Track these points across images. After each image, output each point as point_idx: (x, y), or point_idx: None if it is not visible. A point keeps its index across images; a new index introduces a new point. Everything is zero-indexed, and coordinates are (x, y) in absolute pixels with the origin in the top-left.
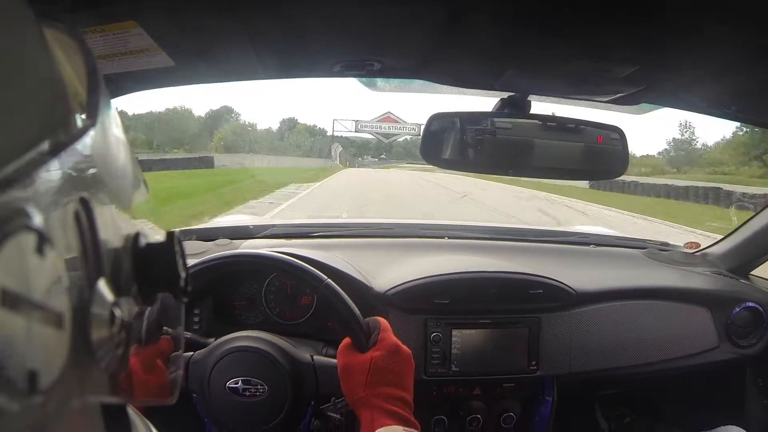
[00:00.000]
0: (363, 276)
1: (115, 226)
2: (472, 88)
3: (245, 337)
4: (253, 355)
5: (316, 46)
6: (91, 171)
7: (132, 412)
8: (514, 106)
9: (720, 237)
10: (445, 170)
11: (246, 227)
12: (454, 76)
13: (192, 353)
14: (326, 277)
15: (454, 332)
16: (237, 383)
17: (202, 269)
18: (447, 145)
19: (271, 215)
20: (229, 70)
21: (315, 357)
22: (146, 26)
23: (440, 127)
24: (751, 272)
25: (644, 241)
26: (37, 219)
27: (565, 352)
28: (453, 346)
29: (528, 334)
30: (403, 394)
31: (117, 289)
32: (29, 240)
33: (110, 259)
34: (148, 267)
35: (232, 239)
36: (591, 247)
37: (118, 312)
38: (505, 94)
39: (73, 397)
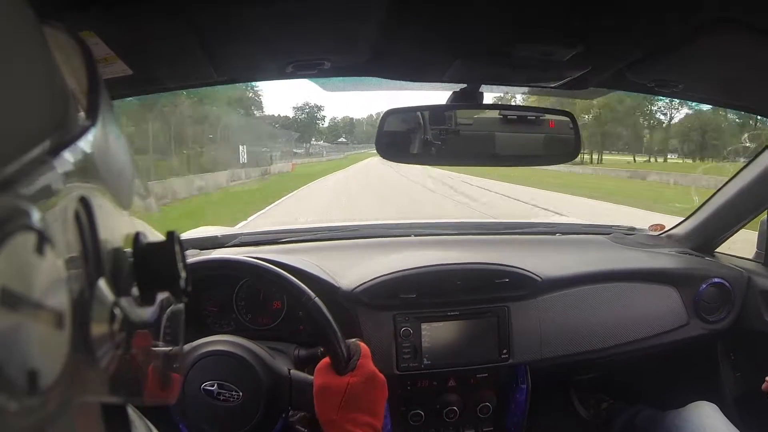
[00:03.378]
0: (330, 276)
1: (115, 225)
2: (422, 81)
3: (224, 342)
4: (233, 361)
5: (265, 47)
6: (91, 171)
7: (132, 412)
8: (467, 98)
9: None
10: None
11: (215, 237)
12: (403, 70)
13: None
14: (313, 294)
15: (424, 326)
16: (213, 386)
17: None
18: (405, 141)
19: None
20: (185, 76)
21: (292, 371)
22: (102, 35)
23: (396, 124)
24: (716, 249)
25: (610, 227)
26: (37, 219)
27: (535, 339)
28: (423, 340)
29: (497, 323)
30: (374, 422)
31: (117, 288)
32: (29, 240)
33: (110, 259)
34: (148, 267)
35: (201, 249)
36: (557, 236)
37: (118, 312)
38: (458, 87)
39: (74, 397)
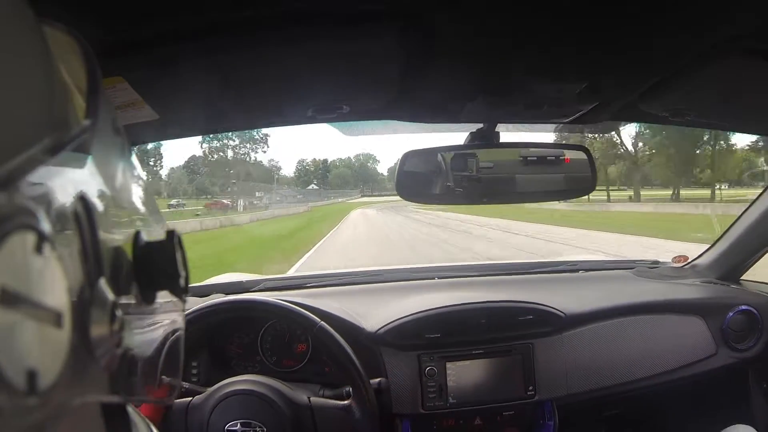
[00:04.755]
0: (354, 319)
1: (114, 225)
2: (439, 122)
3: (243, 381)
4: (252, 398)
5: (288, 92)
6: (91, 170)
7: (132, 412)
8: (484, 137)
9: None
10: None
11: (239, 282)
12: (421, 112)
13: (191, 398)
14: (319, 320)
15: (449, 365)
16: (236, 426)
17: (196, 317)
18: (426, 182)
19: None
20: (210, 120)
21: (312, 399)
22: (131, 81)
23: (416, 165)
24: (742, 277)
25: (633, 261)
26: (37, 218)
27: (561, 374)
28: (448, 379)
29: (522, 360)
30: None
31: (117, 288)
32: (29, 239)
33: (110, 258)
34: (148, 266)
35: (226, 294)
36: (580, 273)
37: (118, 311)
38: (474, 127)
39: (73, 397)
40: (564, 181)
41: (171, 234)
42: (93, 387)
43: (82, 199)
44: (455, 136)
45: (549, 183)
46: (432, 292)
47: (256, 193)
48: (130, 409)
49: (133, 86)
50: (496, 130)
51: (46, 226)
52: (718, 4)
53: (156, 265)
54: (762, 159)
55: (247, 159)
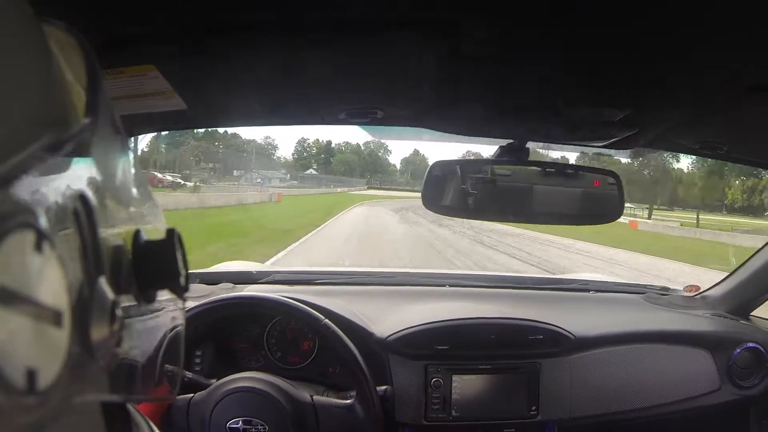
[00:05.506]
0: (364, 322)
1: (114, 223)
2: (471, 135)
3: (245, 378)
4: (254, 396)
5: (322, 95)
6: (91, 169)
7: (133, 411)
8: (514, 153)
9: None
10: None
11: (249, 273)
12: (453, 123)
13: (192, 395)
14: (323, 317)
15: (455, 378)
16: (238, 423)
17: (203, 311)
18: (448, 192)
19: None
20: (239, 116)
21: (315, 397)
22: (163, 70)
23: (442, 174)
24: (752, 313)
25: (644, 286)
26: (36, 216)
27: (566, 397)
28: (453, 392)
29: (528, 379)
30: None
31: (117, 286)
32: (28, 237)
33: (110, 257)
34: (149, 264)
35: (235, 284)
36: (591, 293)
37: (118, 310)
38: (504, 141)
39: (73, 396)
40: (587, 204)
41: (171, 232)
42: (93, 386)
43: (82, 197)
44: (484, 148)
45: (570, 204)
46: (443, 301)
47: (234, 172)
48: (130, 408)
49: (164, 76)
50: (527, 147)
51: (45, 224)
52: (755, 48)
53: (156, 264)
54: None
55: (230, 134)
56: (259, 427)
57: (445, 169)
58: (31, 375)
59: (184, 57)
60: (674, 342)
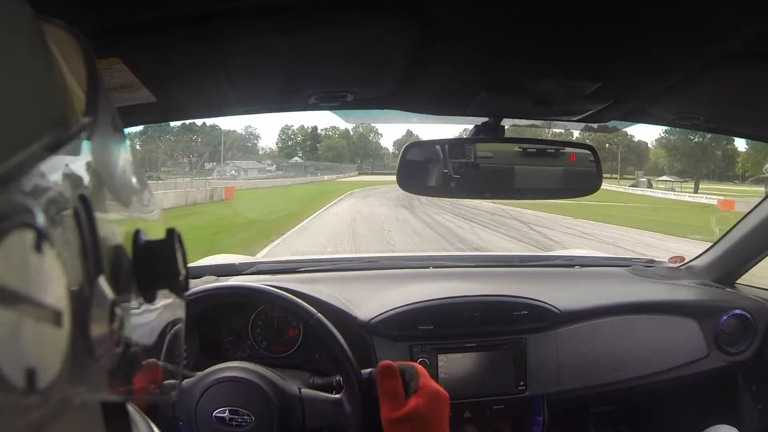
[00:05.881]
0: (347, 307)
1: (114, 223)
2: (445, 114)
3: (233, 368)
4: (241, 386)
5: (290, 79)
6: (91, 168)
7: (132, 410)
8: (489, 131)
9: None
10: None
11: (232, 265)
12: (426, 103)
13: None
14: (316, 311)
15: (440, 357)
16: (224, 413)
17: (191, 300)
18: (425, 173)
19: None
20: (209, 105)
21: (303, 390)
22: (129, 62)
23: (417, 156)
24: (737, 281)
25: (629, 259)
26: (36, 216)
27: (553, 371)
28: (440, 371)
29: (514, 355)
30: None
31: (117, 286)
32: (28, 237)
33: (110, 257)
34: (148, 264)
35: (218, 276)
36: (576, 269)
37: (117, 310)
38: (479, 121)
39: (73, 396)
40: (566, 178)
41: (171, 232)
42: (93, 386)
43: (82, 197)
44: (460, 128)
45: (550, 179)
46: (426, 282)
47: (207, 165)
48: (130, 407)
49: (130, 68)
50: (502, 124)
51: (45, 224)
52: (730, 14)
53: (156, 264)
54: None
55: (209, 126)
56: (246, 417)
57: (420, 150)
58: (30, 374)
59: (149, 49)
60: (661, 312)
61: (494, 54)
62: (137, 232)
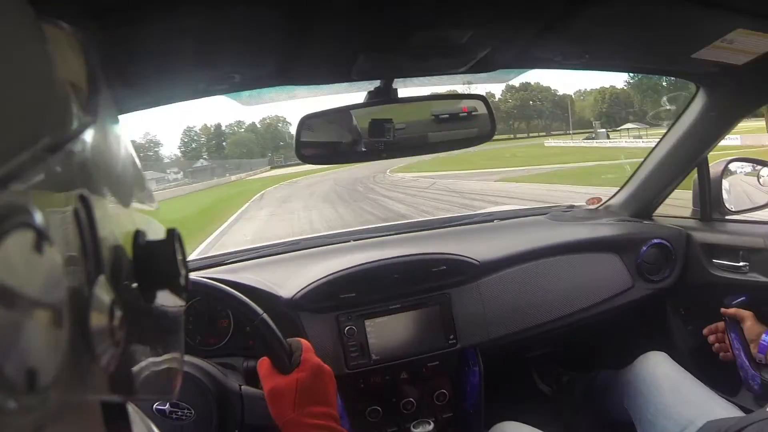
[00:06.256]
0: (271, 288)
1: (115, 223)
2: (331, 82)
3: None
4: (184, 380)
5: (174, 67)
6: (91, 169)
7: (132, 411)
8: (381, 94)
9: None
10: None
11: None
12: (312, 74)
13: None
14: (261, 310)
15: (367, 323)
16: (164, 405)
17: None
18: (323, 143)
19: None
20: None
21: (243, 387)
22: None
23: (313, 127)
24: (654, 213)
25: (548, 207)
26: (36, 216)
27: (481, 321)
28: (369, 337)
29: (440, 310)
30: (330, 410)
31: (117, 287)
32: (28, 237)
33: (110, 257)
34: (148, 265)
35: None
36: (494, 222)
37: (117, 310)
38: (372, 87)
39: (73, 396)
40: (465, 129)
41: (171, 233)
42: (93, 386)
43: (82, 197)
44: (359, 96)
45: (450, 132)
46: (347, 255)
47: None
48: (130, 408)
49: None
50: (394, 87)
51: (45, 224)
52: None
53: (156, 264)
54: (664, 99)
55: None
56: (186, 411)
57: (316, 121)
58: (30, 374)
59: None
60: (582, 251)
61: (361, 13)
62: (137, 233)
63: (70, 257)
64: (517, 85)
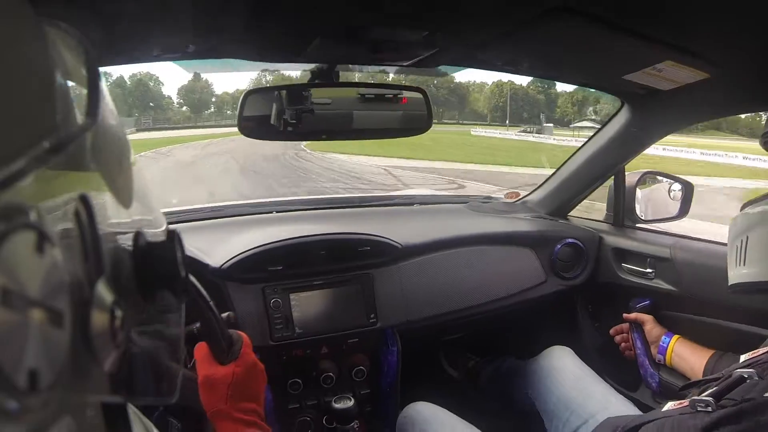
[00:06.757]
0: (198, 255)
1: (115, 224)
2: (281, 62)
3: None
4: None
5: (132, 34)
6: (92, 169)
7: (132, 411)
8: (324, 76)
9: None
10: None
11: None
12: (263, 52)
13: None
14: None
15: (292, 296)
16: None
17: None
18: (265, 119)
19: None
20: None
21: (183, 371)
22: None
23: (257, 102)
24: (569, 214)
25: (467, 196)
26: (37, 217)
27: (400, 303)
28: (293, 310)
29: (362, 289)
30: (258, 408)
31: (117, 287)
32: (29, 238)
33: (111, 258)
34: (149, 266)
35: None
36: (415, 206)
37: (118, 311)
38: (315, 68)
39: (74, 396)
40: (401, 119)
41: (171, 234)
42: (93, 386)
43: (83, 198)
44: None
45: (386, 121)
46: (273, 226)
47: None
48: (130, 408)
49: None
50: (336, 70)
51: (46, 225)
52: None
53: (156, 265)
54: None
55: None
56: None
57: (259, 96)
58: (32, 375)
59: None
60: (499, 243)
61: (324, 2)
62: (138, 234)
63: (71, 258)
64: (426, 69)
